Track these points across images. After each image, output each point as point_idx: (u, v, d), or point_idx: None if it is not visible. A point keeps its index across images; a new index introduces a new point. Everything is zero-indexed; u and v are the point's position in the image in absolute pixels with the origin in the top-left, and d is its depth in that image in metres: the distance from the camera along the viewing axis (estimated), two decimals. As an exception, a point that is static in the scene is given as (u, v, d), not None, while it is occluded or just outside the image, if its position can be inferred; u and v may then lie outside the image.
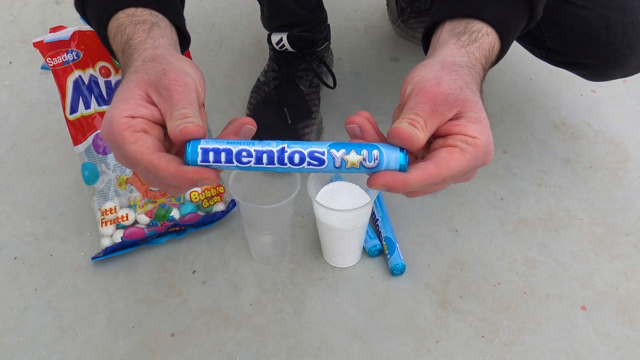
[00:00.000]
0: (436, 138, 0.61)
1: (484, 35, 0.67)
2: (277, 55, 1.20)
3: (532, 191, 1.13)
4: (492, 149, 0.63)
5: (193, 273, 1.02)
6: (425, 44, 0.72)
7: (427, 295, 0.98)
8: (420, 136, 0.58)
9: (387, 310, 0.97)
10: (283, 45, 1.17)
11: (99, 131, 1.01)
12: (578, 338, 0.93)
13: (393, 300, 0.98)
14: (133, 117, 0.59)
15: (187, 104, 0.60)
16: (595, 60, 0.99)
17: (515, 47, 1.19)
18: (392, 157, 0.58)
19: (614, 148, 1.21)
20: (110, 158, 1.02)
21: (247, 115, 1.21)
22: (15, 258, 1.04)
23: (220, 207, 1.06)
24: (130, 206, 1.02)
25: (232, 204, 1.07)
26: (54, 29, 1.01)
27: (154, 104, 0.61)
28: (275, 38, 1.16)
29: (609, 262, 1.02)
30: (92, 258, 1.01)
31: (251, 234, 1.01)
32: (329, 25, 1.23)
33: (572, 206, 1.11)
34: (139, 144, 0.58)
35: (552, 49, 1.02)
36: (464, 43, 0.66)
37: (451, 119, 0.61)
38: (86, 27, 1.03)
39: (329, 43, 1.24)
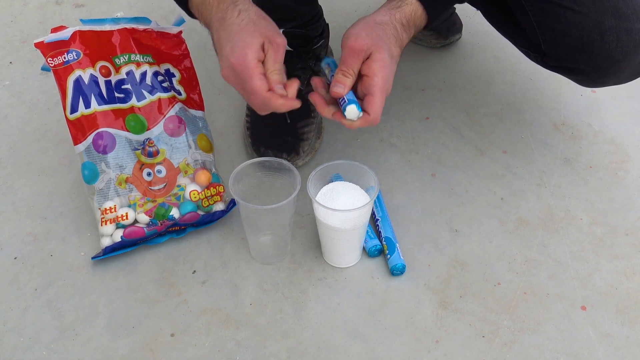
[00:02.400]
0: (361, 76, 0.89)
1: (407, 5, 0.91)
2: None
3: (532, 191, 1.13)
4: (389, 79, 0.90)
5: (193, 273, 1.02)
6: None
7: (427, 295, 0.98)
8: (348, 82, 0.87)
9: (387, 310, 0.97)
10: None
11: (99, 130, 1.01)
12: (578, 338, 0.93)
13: (393, 300, 0.98)
14: (258, 60, 0.86)
15: (281, 59, 0.88)
16: (588, 66, 1.00)
17: (515, 48, 1.19)
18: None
19: (614, 148, 1.21)
20: (110, 157, 1.02)
21: (247, 115, 1.21)
22: (15, 258, 1.04)
23: (220, 206, 1.06)
24: (130, 205, 1.02)
25: (232, 203, 1.07)
26: (54, 30, 1.01)
27: (264, 50, 0.87)
28: None
29: (609, 262, 1.02)
30: (92, 258, 1.01)
31: (251, 234, 1.01)
32: (325, 22, 1.23)
33: (572, 206, 1.11)
34: (262, 82, 0.86)
35: (546, 53, 1.03)
36: (390, 8, 0.91)
37: (366, 59, 0.88)
38: (86, 27, 1.03)
39: (326, 41, 1.23)
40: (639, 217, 1.09)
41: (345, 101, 0.87)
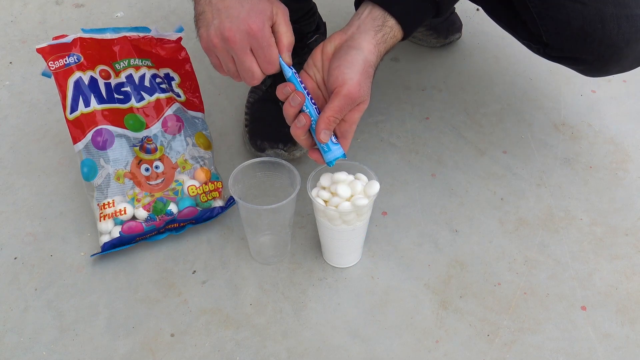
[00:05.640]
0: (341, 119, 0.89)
1: (392, 38, 0.89)
2: None
3: (532, 191, 1.13)
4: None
5: (193, 273, 1.02)
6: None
7: (427, 295, 0.98)
8: (333, 127, 0.87)
9: (387, 310, 0.97)
10: None
11: (98, 127, 1.02)
12: (578, 338, 0.93)
13: (393, 300, 0.98)
14: (270, 27, 0.87)
15: (289, 23, 0.89)
16: (591, 55, 0.99)
17: (515, 48, 1.19)
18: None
19: (614, 148, 1.21)
20: (109, 153, 1.02)
21: (246, 114, 1.22)
22: (15, 258, 1.04)
23: (218, 202, 1.06)
24: (128, 201, 1.02)
25: (231, 200, 1.07)
26: (56, 38, 1.03)
27: (273, 21, 0.87)
28: None
29: (609, 262, 1.02)
30: (92, 255, 1.01)
31: (251, 234, 1.01)
32: (321, 18, 1.22)
33: (572, 206, 1.11)
34: (275, 50, 0.88)
35: (548, 44, 1.02)
36: (378, 42, 0.88)
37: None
38: (87, 35, 1.04)
39: (322, 37, 1.23)
40: (639, 217, 1.09)
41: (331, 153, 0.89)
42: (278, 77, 1.19)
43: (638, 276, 1.01)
